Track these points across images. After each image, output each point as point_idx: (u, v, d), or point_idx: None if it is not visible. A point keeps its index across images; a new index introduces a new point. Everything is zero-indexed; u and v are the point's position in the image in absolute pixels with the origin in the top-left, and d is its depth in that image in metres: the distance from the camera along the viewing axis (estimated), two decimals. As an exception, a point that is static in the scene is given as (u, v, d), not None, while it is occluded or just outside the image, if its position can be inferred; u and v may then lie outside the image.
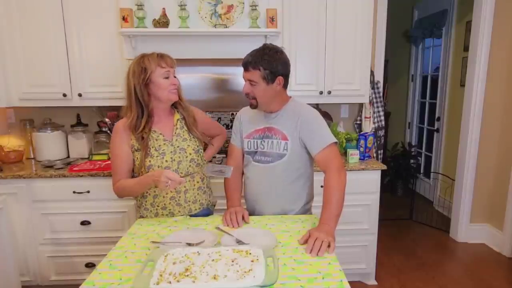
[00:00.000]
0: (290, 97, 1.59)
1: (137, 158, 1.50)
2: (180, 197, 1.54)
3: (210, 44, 2.25)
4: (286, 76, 1.49)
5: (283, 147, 1.51)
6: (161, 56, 1.48)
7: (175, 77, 1.52)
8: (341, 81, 2.50)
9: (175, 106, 1.60)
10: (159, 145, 1.51)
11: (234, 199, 1.61)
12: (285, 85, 1.51)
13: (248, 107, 1.65)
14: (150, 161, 1.48)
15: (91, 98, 2.41)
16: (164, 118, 1.56)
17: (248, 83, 1.48)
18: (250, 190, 1.63)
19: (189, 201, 1.57)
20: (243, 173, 1.69)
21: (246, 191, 1.67)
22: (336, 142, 1.49)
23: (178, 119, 1.59)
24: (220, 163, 2.32)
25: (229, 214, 1.47)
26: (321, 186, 2.11)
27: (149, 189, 1.53)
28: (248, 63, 1.44)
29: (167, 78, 1.47)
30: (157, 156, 1.49)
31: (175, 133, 1.56)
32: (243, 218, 1.47)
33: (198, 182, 1.60)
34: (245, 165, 1.64)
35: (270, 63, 1.43)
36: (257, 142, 1.57)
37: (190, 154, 1.56)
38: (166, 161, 1.50)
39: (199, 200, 1.60)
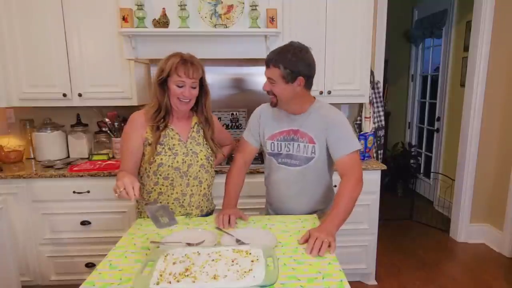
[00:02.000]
0: (314, 98, 1.56)
1: (148, 152, 1.47)
2: (184, 199, 1.53)
3: (210, 44, 2.25)
4: (308, 77, 1.45)
5: (311, 151, 1.50)
6: (183, 63, 1.42)
7: (194, 88, 1.46)
8: (341, 81, 2.50)
9: (195, 110, 1.57)
10: (173, 144, 1.49)
11: (231, 198, 1.59)
12: (307, 86, 1.47)
13: (268, 104, 1.60)
14: (162, 159, 1.46)
15: (91, 98, 2.41)
16: (182, 118, 1.55)
17: (268, 81, 1.45)
18: (278, 193, 1.61)
19: (193, 206, 1.56)
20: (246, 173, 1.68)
21: (271, 194, 1.65)
22: (359, 149, 1.48)
23: (196, 123, 1.57)
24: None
25: (222, 216, 1.45)
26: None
27: (155, 186, 1.52)
28: (269, 61, 1.42)
29: (181, 87, 1.43)
30: (169, 155, 1.47)
31: (190, 135, 1.54)
32: (242, 218, 1.48)
33: (204, 188, 1.59)
34: (269, 166, 1.62)
35: (291, 62, 1.39)
36: (281, 144, 1.54)
37: (201, 159, 1.54)
38: (178, 161, 1.48)
39: (201, 207, 1.59)
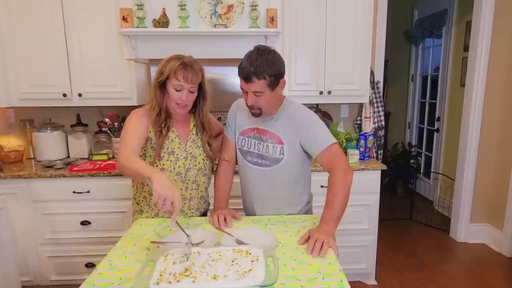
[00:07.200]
0: (284, 97, 1.53)
1: (150, 155, 1.45)
2: (184, 204, 1.53)
3: (210, 44, 2.25)
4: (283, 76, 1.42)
5: (279, 152, 1.46)
6: (183, 67, 1.38)
7: (192, 92, 1.43)
8: (341, 81, 2.50)
9: (193, 113, 1.55)
10: (173, 148, 1.47)
11: (221, 200, 1.58)
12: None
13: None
14: (164, 164, 1.44)
15: (91, 98, 2.41)
16: (181, 120, 1.53)
17: (252, 95, 1.36)
18: (249, 193, 1.59)
19: (192, 209, 1.55)
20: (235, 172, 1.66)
21: (244, 192, 1.63)
22: (336, 142, 1.45)
23: (194, 125, 1.56)
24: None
25: (216, 216, 1.44)
26: (321, 186, 2.12)
27: None
28: (252, 74, 1.30)
29: (179, 90, 1.40)
30: (171, 161, 1.46)
31: (190, 138, 1.53)
32: (235, 218, 1.48)
33: (202, 191, 1.58)
34: (239, 164, 1.61)
35: (273, 68, 1.32)
36: (251, 141, 1.52)
37: (200, 163, 1.52)
38: (179, 166, 1.47)
39: (200, 209, 1.60)
